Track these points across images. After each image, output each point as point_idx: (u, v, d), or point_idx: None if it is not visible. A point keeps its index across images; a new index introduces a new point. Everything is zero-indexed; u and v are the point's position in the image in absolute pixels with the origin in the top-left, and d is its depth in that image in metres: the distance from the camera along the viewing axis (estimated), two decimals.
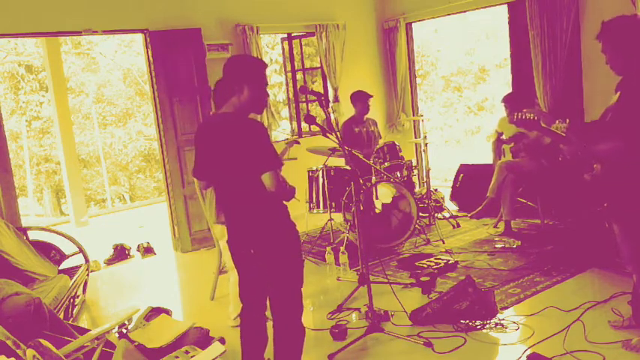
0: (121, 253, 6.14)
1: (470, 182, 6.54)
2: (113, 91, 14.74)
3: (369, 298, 3.52)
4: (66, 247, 4.88)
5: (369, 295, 3.52)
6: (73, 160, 8.73)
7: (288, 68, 7.46)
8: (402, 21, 7.49)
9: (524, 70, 6.28)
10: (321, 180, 5.36)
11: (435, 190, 6.48)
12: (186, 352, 3.01)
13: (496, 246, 5.08)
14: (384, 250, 5.16)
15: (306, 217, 5.71)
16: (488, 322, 3.52)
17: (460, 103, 15.24)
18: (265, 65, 2.63)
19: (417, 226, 5.31)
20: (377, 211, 5.18)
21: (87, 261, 4.83)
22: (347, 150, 3.71)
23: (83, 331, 3.27)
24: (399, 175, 5.56)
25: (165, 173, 6.14)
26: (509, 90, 6.56)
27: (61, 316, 3.72)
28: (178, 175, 6.07)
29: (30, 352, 2.43)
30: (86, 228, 8.34)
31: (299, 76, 7.80)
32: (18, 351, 2.54)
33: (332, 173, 5.35)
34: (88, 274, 4.88)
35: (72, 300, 4.27)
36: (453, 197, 6.72)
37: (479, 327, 3.48)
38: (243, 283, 2.75)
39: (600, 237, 4.28)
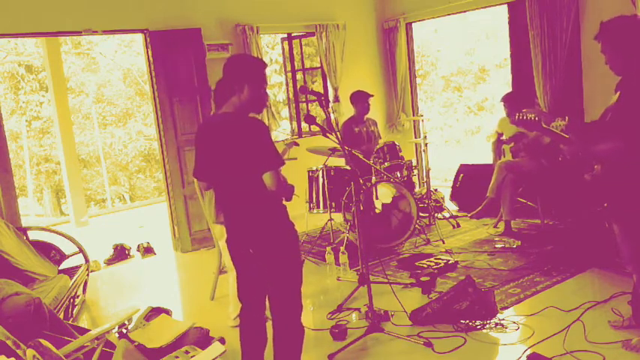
0: (121, 253, 6.14)
1: (470, 182, 6.53)
2: (113, 91, 14.73)
3: (369, 298, 3.52)
4: (66, 247, 4.88)
5: (369, 295, 3.52)
6: (73, 160, 8.73)
7: (288, 68, 7.46)
8: (402, 21, 7.49)
9: (524, 70, 6.28)
10: (321, 180, 5.36)
11: (435, 190, 6.48)
12: (186, 352, 3.01)
13: (496, 246, 5.08)
14: (384, 250, 5.16)
15: (306, 217, 5.71)
16: (488, 322, 3.52)
17: (460, 103, 15.24)
18: (265, 65, 2.63)
19: (417, 226, 5.31)
20: (377, 211, 5.18)
21: (87, 261, 4.83)
22: (347, 150, 3.71)
23: (83, 331, 3.27)
24: (399, 175, 5.56)
25: (165, 173, 6.14)
26: (510, 90, 6.56)
27: (61, 316, 3.72)
28: (178, 175, 6.07)
29: (30, 352, 2.43)
30: (86, 228, 8.34)
31: (299, 76, 7.81)
32: (18, 351, 2.54)
33: (332, 173, 5.35)
34: (88, 274, 4.88)
35: (72, 300, 4.27)
36: (453, 197, 6.72)
37: (479, 327, 3.48)
38: (242, 283, 2.75)
39: (600, 237, 4.27)
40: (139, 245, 6.30)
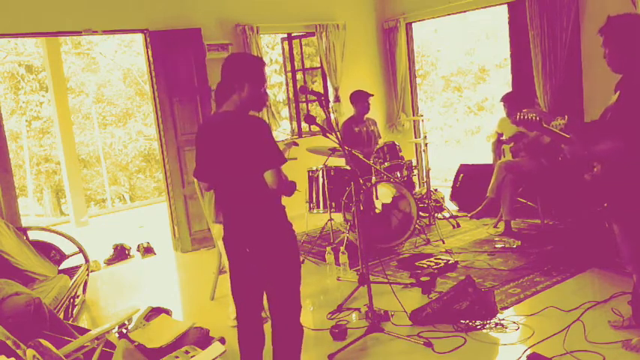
0: (121, 253, 6.14)
1: (470, 182, 6.53)
2: (113, 91, 14.73)
3: (369, 298, 3.52)
4: (66, 247, 4.88)
5: (369, 295, 3.52)
6: (73, 160, 8.73)
7: (288, 68, 7.46)
8: (402, 21, 7.49)
9: (524, 70, 6.28)
10: (321, 180, 5.36)
11: (435, 190, 6.48)
12: (186, 352, 3.01)
13: (496, 246, 5.08)
14: (384, 250, 5.16)
15: (306, 217, 5.71)
16: (488, 322, 3.52)
17: (460, 103, 15.24)
18: (264, 63, 2.64)
19: (417, 226, 5.31)
20: (377, 211, 5.18)
21: (87, 261, 4.83)
22: (347, 150, 3.71)
23: (83, 331, 3.27)
24: (399, 175, 5.56)
25: (165, 173, 6.14)
26: (509, 90, 6.55)
27: (61, 316, 3.73)
28: (178, 175, 6.07)
29: (30, 352, 2.43)
30: (86, 228, 8.34)
31: (299, 76, 7.80)
32: (18, 351, 2.54)
33: (332, 173, 5.35)
34: (88, 274, 4.88)
35: (72, 300, 4.27)
36: (453, 197, 6.72)
37: (479, 327, 3.48)
38: (236, 282, 2.72)
39: (600, 237, 4.27)
40: (139, 245, 6.30)
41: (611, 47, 2.79)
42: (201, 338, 3.37)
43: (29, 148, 13.56)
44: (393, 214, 5.32)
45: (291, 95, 7.68)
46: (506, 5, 6.42)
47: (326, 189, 5.33)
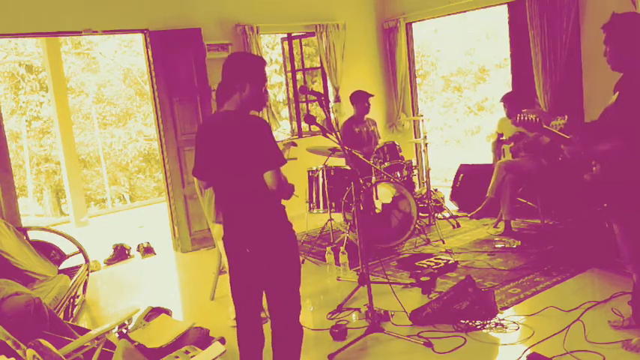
0: (121, 253, 6.14)
1: (470, 182, 6.53)
2: (113, 91, 14.73)
3: (369, 298, 3.52)
4: (66, 247, 4.88)
5: (369, 295, 3.52)
6: (73, 160, 8.73)
7: (288, 68, 7.46)
8: (402, 21, 7.49)
9: (524, 70, 6.28)
10: (321, 180, 5.36)
11: (435, 190, 6.48)
12: (186, 352, 3.01)
13: (496, 246, 5.08)
14: (384, 250, 5.16)
15: (306, 217, 5.71)
16: (488, 322, 3.52)
17: (460, 103, 15.24)
18: (265, 62, 2.64)
19: (417, 226, 5.31)
20: (377, 211, 5.18)
21: (87, 261, 4.83)
22: (347, 150, 3.71)
23: (83, 331, 3.27)
24: (399, 175, 5.56)
25: (165, 173, 6.14)
26: (509, 90, 6.56)
27: (61, 316, 3.72)
28: (178, 175, 6.07)
29: (30, 352, 2.43)
30: (86, 228, 8.34)
31: (299, 76, 7.81)
32: (18, 351, 2.54)
33: (332, 173, 5.35)
34: (88, 274, 4.88)
35: (72, 300, 4.27)
36: (453, 197, 6.72)
37: (479, 327, 3.48)
38: (235, 282, 2.72)
39: (600, 237, 4.27)
40: (139, 245, 6.30)
41: (612, 45, 2.79)
42: (201, 338, 3.37)
43: (29, 148, 13.57)
44: (393, 214, 5.32)
45: (291, 95, 7.68)
46: (506, 5, 6.42)
47: (326, 189, 5.33)
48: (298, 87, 7.12)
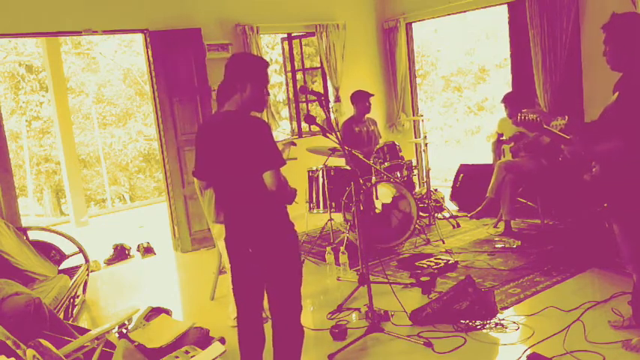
0: (121, 253, 6.14)
1: (470, 182, 6.53)
2: (113, 91, 14.73)
3: (369, 298, 3.51)
4: (66, 247, 4.88)
5: (369, 295, 3.52)
6: (73, 160, 8.73)
7: (288, 68, 7.46)
8: (402, 21, 7.49)
9: (524, 70, 6.28)
10: (321, 180, 5.36)
11: (435, 190, 6.48)
12: (186, 352, 3.01)
13: (496, 246, 5.08)
14: (384, 250, 5.16)
15: (306, 217, 5.70)
16: (488, 322, 3.52)
17: (460, 103, 15.24)
18: (268, 64, 2.63)
19: (417, 226, 5.31)
20: (377, 211, 5.18)
21: (87, 261, 4.83)
22: (347, 150, 3.71)
23: (83, 331, 3.27)
24: (399, 175, 5.56)
25: (165, 173, 6.14)
26: (509, 90, 6.55)
27: (61, 316, 3.72)
28: (178, 175, 6.07)
29: (30, 352, 2.43)
30: (86, 228, 8.34)
31: (299, 76, 7.80)
32: (18, 351, 2.54)
33: (332, 173, 5.35)
34: (88, 274, 4.88)
35: (72, 300, 4.27)
36: (453, 197, 6.72)
37: (479, 327, 3.48)
38: (237, 282, 2.73)
39: (600, 237, 4.27)
40: (139, 245, 6.30)
41: (612, 45, 2.79)
42: (201, 338, 3.37)
43: (29, 148, 13.56)
44: (393, 214, 5.32)
45: (291, 95, 7.68)
46: (506, 5, 6.42)
47: (326, 189, 5.33)
48: (298, 87, 7.12)
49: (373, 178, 5.20)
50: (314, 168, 5.47)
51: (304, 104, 7.56)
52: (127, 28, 5.92)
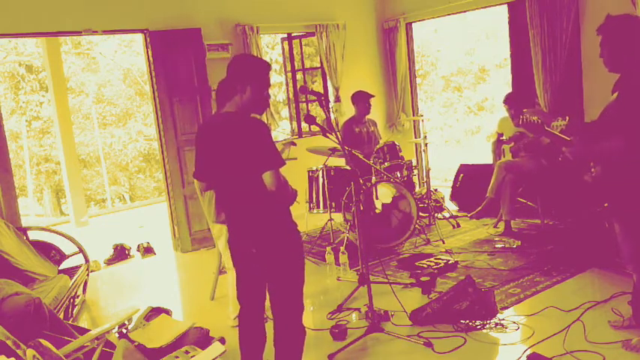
0: (121, 253, 6.14)
1: (470, 182, 6.54)
2: (113, 91, 14.73)
3: (369, 298, 3.51)
4: (66, 247, 4.88)
5: (369, 295, 3.51)
6: (73, 160, 8.74)
7: (288, 68, 7.46)
8: (402, 21, 7.49)
9: (524, 70, 6.28)
10: (321, 180, 5.36)
11: (435, 190, 6.48)
12: (186, 352, 3.01)
13: (496, 246, 5.08)
14: (384, 250, 5.16)
15: (306, 217, 5.71)
16: (488, 322, 3.52)
17: (460, 103, 15.24)
18: (269, 67, 2.63)
19: (417, 226, 5.31)
20: (377, 211, 5.18)
21: (87, 261, 4.83)
22: (347, 150, 3.71)
23: (83, 331, 3.27)
24: (399, 175, 5.56)
25: (165, 173, 6.14)
26: (509, 90, 6.55)
27: (61, 316, 3.72)
28: (178, 175, 6.07)
29: (30, 352, 2.43)
30: (86, 228, 8.34)
31: (299, 76, 7.80)
32: (18, 351, 2.54)
33: (332, 173, 5.35)
34: (88, 274, 4.88)
35: (72, 300, 4.27)
36: (453, 197, 6.72)
37: (479, 327, 3.48)
38: (242, 283, 2.74)
39: (600, 237, 4.27)
40: (139, 245, 6.30)
41: (608, 47, 2.80)
42: (201, 338, 3.37)
43: (29, 148, 13.56)
44: (393, 214, 5.32)
45: (291, 95, 7.68)
46: (506, 5, 6.42)
47: (326, 189, 5.33)
48: (298, 87, 7.13)
49: (373, 178, 5.20)
50: (314, 168, 5.47)
51: (304, 104, 7.56)
52: (127, 28, 5.92)
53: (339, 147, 4.17)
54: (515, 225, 5.55)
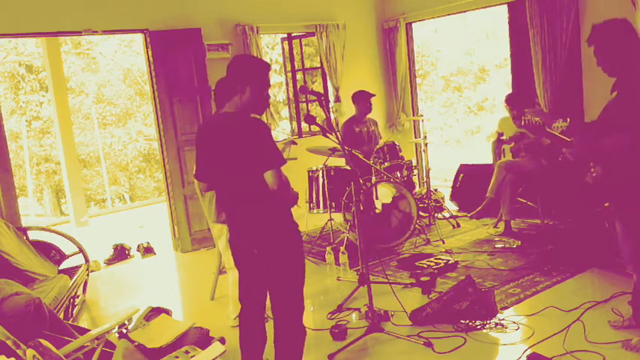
0: (121, 253, 6.14)
1: (470, 182, 6.53)
2: (113, 91, 14.73)
3: (369, 298, 3.51)
4: (66, 247, 4.88)
5: (369, 295, 3.51)
6: (73, 160, 8.73)
7: (288, 68, 7.46)
8: (402, 21, 7.49)
9: (524, 70, 6.28)
10: (321, 180, 5.36)
11: (435, 190, 6.48)
12: (186, 352, 3.01)
13: (496, 246, 5.08)
14: (384, 250, 5.16)
15: (306, 217, 5.71)
16: (488, 322, 3.52)
17: (460, 103, 15.24)
18: (269, 67, 2.63)
19: (417, 226, 5.31)
20: (377, 211, 5.18)
21: (87, 261, 4.83)
22: (347, 150, 3.71)
23: (83, 331, 3.27)
24: (399, 175, 5.56)
25: (165, 173, 6.14)
26: (509, 90, 6.55)
27: (61, 316, 3.72)
28: (178, 175, 6.07)
29: (30, 352, 2.43)
30: (86, 228, 8.34)
31: (299, 76, 7.80)
32: (18, 351, 2.54)
33: (332, 173, 5.35)
34: (88, 274, 4.88)
35: (72, 300, 4.27)
36: (453, 197, 6.72)
37: (479, 327, 3.48)
38: (244, 284, 2.75)
39: (600, 237, 4.27)
40: (139, 245, 6.30)
41: (602, 55, 2.83)
42: (201, 338, 3.37)
43: (29, 148, 13.56)
44: (393, 214, 5.32)
45: (291, 95, 7.68)
46: (506, 5, 6.42)
47: (326, 189, 5.33)
48: (298, 87, 7.12)
49: (373, 178, 5.20)
50: (314, 168, 5.47)
51: (304, 104, 7.56)
52: (127, 28, 5.92)
53: (339, 147, 4.17)
54: (515, 225, 5.55)
